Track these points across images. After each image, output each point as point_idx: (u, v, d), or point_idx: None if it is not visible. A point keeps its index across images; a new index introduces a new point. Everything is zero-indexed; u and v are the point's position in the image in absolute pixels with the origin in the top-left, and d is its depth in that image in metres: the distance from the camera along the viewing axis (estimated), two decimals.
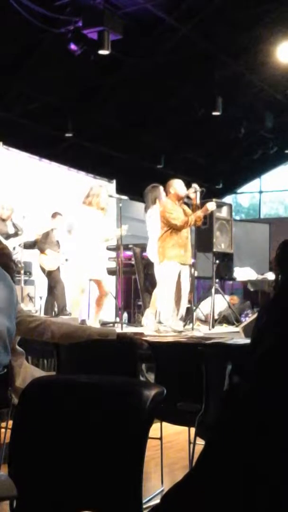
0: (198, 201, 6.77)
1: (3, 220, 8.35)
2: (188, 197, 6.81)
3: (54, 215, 9.10)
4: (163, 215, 6.68)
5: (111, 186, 11.58)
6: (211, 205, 6.90)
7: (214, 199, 7.60)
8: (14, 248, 8.16)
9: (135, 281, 8.82)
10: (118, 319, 8.16)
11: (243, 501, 0.91)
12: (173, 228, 6.60)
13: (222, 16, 9.88)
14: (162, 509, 1.00)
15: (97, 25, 8.75)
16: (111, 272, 8.29)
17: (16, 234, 8.35)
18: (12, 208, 8.46)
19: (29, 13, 8.47)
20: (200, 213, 6.72)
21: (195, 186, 6.81)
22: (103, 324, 7.67)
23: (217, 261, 7.49)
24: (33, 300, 9.19)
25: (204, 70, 11.25)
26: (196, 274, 8.16)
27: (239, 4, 9.72)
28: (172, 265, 6.59)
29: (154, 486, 3.82)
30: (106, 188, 7.97)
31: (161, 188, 7.29)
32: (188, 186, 6.88)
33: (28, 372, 3.27)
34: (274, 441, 0.92)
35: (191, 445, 3.52)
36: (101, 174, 11.68)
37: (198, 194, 6.76)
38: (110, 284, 9.18)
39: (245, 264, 11.18)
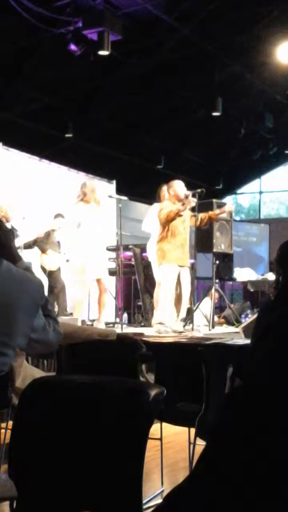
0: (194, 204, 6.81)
1: (6, 222, 8.34)
2: (187, 197, 6.80)
3: (56, 216, 9.12)
4: (158, 216, 6.69)
5: (111, 186, 11.58)
6: (228, 207, 7.50)
7: (214, 200, 7.61)
8: (19, 247, 8.17)
9: (135, 282, 8.82)
10: (118, 320, 8.16)
11: (244, 502, 0.91)
12: (168, 225, 6.58)
13: (222, 16, 9.87)
14: (164, 509, 1.00)
15: (97, 25, 8.74)
16: (111, 272, 8.28)
17: (15, 236, 8.35)
18: (13, 210, 8.47)
19: (29, 13, 8.47)
20: (217, 211, 7.19)
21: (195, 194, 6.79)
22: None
23: (217, 262, 7.49)
24: None
25: (204, 70, 11.25)
26: (196, 274, 8.16)
27: (239, 4, 9.71)
28: (171, 267, 6.59)
29: (154, 487, 3.82)
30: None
31: (164, 188, 7.26)
32: (189, 187, 6.87)
33: (28, 372, 3.26)
34: (275, 442, 0.92)
35: (191, 446, 3.51)
36: (101, 174, 11.67)
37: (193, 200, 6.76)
38: (110, 284, 9.19)
39: (245, 264, 11.18)
